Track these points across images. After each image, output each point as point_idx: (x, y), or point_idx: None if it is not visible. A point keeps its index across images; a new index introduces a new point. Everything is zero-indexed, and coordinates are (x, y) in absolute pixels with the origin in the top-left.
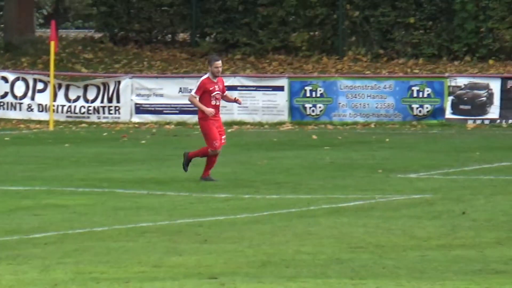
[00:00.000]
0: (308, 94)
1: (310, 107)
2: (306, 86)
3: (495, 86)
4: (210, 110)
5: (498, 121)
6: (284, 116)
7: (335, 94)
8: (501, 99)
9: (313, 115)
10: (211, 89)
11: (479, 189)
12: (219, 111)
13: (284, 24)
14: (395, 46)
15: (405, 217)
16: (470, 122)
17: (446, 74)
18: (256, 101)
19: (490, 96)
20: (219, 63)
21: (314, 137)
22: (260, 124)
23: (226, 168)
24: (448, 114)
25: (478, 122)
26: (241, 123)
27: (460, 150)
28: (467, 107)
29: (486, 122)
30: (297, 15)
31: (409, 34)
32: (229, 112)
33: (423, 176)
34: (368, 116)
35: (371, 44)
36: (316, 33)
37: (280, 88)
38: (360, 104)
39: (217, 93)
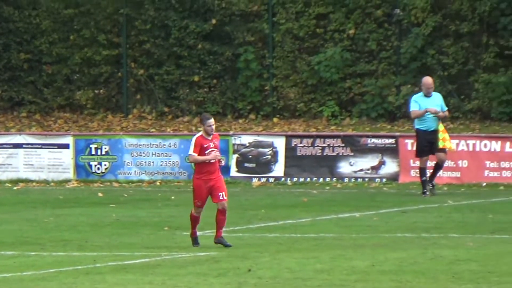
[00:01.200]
0: (93, 152)
1: (95, 165)
2: (91, 144)
3: (280, 144)
4: (212, 155)
5: (283, 179)
6: (70, 174)
7: (120, 152)
8: (286, 157)
9: (98, 173)
10: (205, 145)
11: (264, 247)
12: (216, 169)
13: (69, 82)
14: (180, 104)
15: (191, 274)
16: (255, 180)
17: (231, 132)
18: (42, 159)
19: (275, 154)
20: (211, 121)
21: (100, 194)
22: (45, 181)
23: (12, 225)
24: (233, 172)
25: (263, 180)
26: (26, 181)
27: (246, 208)
28: (252, 165)
29: (271, 180)
30: (81, 73)
31: (193, 92)
32: (14, 170)
33: (209, 234)
34: (153, 174)
35: (156, 102)
36: (101, 91)
37: (65, 146)
38: (145, 162)
39: (212, 150)
